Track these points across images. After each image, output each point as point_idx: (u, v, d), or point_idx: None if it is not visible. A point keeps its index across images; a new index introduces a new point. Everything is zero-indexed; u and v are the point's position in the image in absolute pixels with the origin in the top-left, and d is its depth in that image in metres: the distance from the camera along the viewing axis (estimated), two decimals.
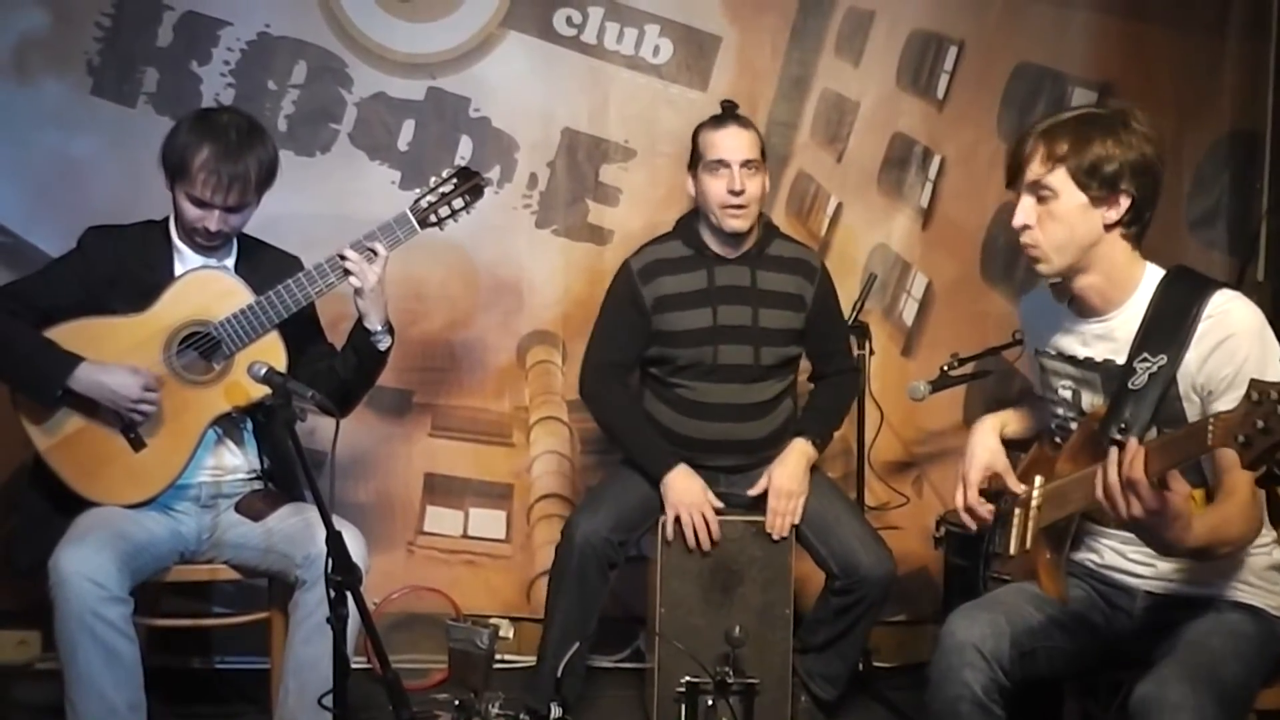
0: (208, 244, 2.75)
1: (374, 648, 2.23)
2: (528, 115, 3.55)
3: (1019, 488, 2.34)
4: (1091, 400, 2.25)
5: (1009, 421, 2.48)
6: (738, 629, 2.74)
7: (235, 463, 2.83)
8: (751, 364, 3.08)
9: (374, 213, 2.83)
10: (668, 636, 2.97)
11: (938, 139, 3.64)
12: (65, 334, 2.64)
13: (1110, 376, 2.19)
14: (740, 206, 3.01)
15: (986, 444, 2.41)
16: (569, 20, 3.52)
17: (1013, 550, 2.32)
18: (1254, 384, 1.69)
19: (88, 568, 2.47)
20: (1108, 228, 2.15)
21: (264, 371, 2.37)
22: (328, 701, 2.27)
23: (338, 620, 2.19)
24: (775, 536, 3.01)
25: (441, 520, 3.61)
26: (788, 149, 3.61)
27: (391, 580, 3.52)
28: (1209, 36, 3.65)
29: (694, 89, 3.56)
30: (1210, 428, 1.77)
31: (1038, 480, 2.30)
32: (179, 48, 3.41)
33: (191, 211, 2.68)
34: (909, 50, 3.61)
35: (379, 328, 2.78)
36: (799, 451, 3.07)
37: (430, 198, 2.79)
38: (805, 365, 3.25)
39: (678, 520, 2.99)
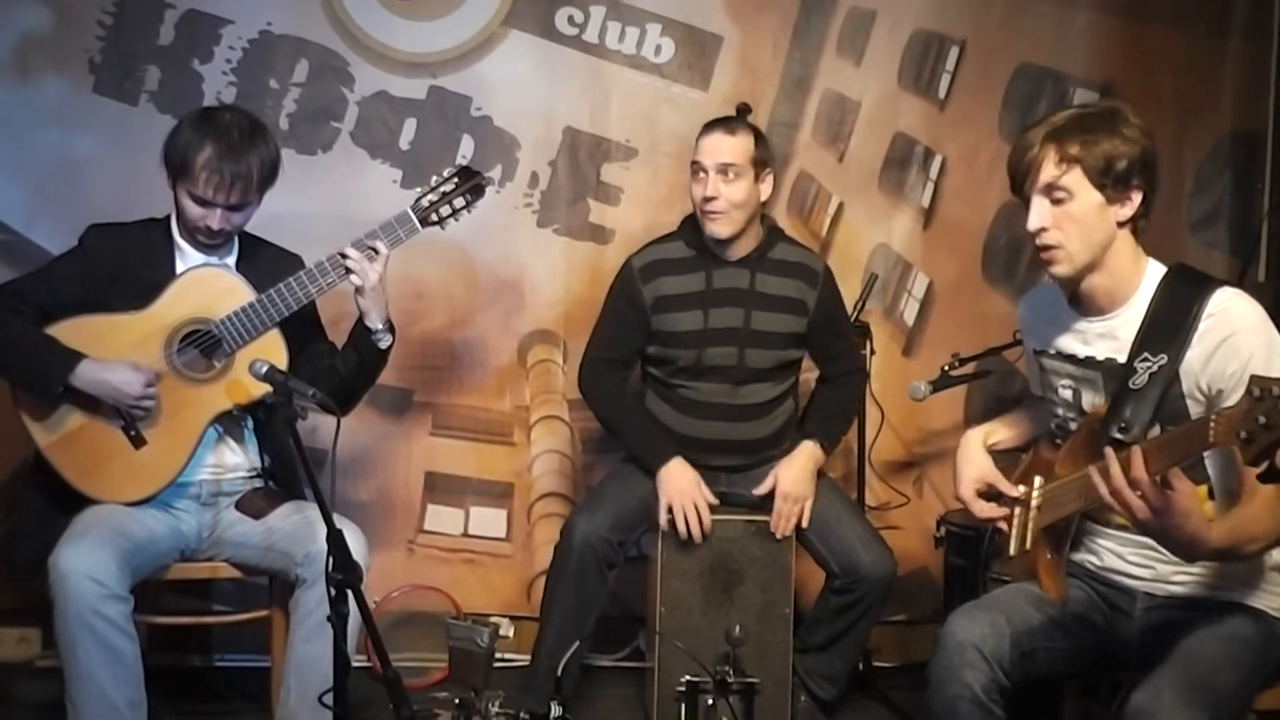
0: (209, 242, 2.75)
1: (374, 646, 2.23)
2: (529, 114, 3.55)
3: (1014, 492, 2.33)
4: (1092, 400, 2.24)
5: (995, 431, 2.47)
6: (738, 628, 2.74)
7: (236, 461, 2.83)
8: (736, 365, 3.07)
9: (375, 211, 2.83)
10: (668, 636, 2.97)
11: (939, 139, 3.64)
12: (66, 331, 2.64)
13: (1111, 375, 2.19)
14: (716, 211, 2.99)
15: (971, 458, 2.40)
16: (571, 19, 3.52)
17: (1013, 551, 2.32)
18: (1255, 380, 1.68)
19: (88, 565, 2.47)
20: (1120, 224, 2.15)
21: (265, 369, 2.37)
22: (328, 700, 2.27)
23: (338, 618, 2.19)
24: (778, 536, 3.01)
25: (442, 519, 3.62)
26: (789, 149, 3.61)
27: (392, 579, 3.52)
28: (1210, 37, 3.65)
29: (695, 89, 3.56)
30: (1212, 425, 1.77)
31: (1037, 481, 2.29)
32: (181, 46, 3.42)
33: (193, 210, 2.69)
34: (910, 50, 3.61)
35: (380, 326, 2.78)
36: (806, 454, 3.07)
37: (431, 196, 2.79)
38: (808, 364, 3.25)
39: (670, 511, 2.99)
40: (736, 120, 3.07)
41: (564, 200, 3.58)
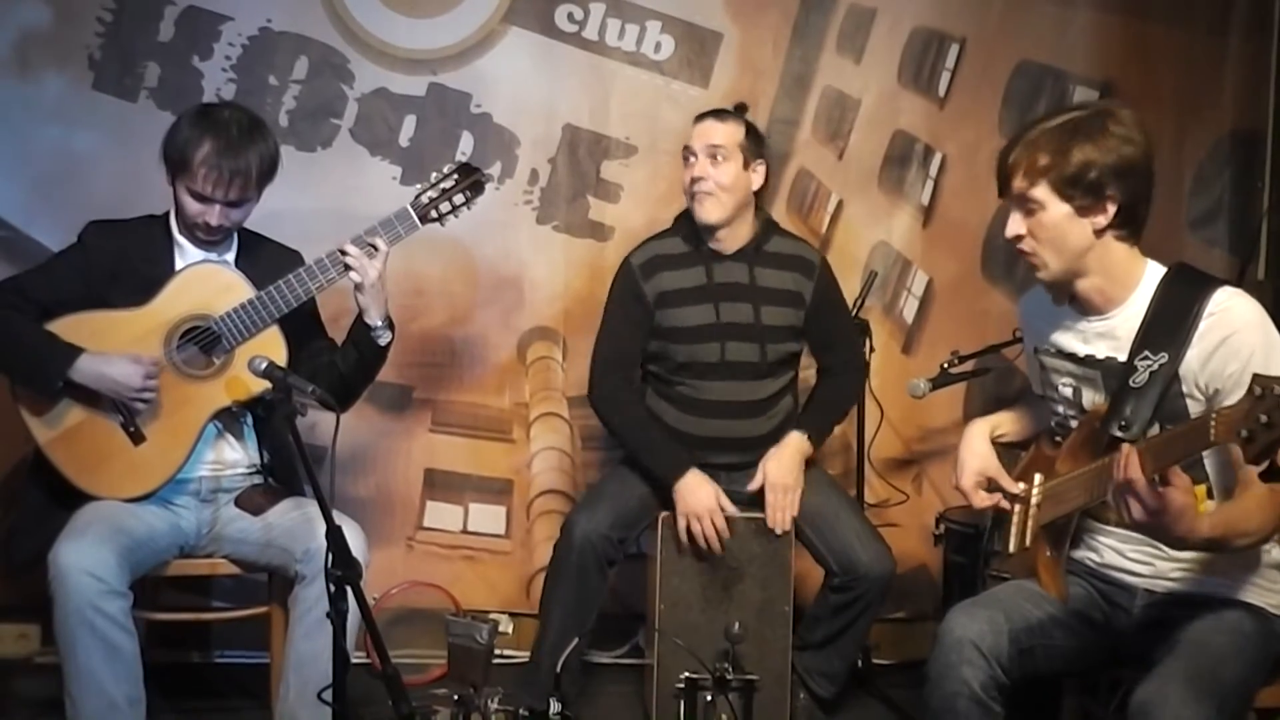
0: (208, 239, 2.75)
1: (373, 643, 2.23)
2: (529, 111, 3.55)
3: (1015, 488, 2.33)
4: (1092, 398, 2.24)
5: (1002, 424, 2.47)
6: (737, 625, 2.74)
7: (235, 457, 2.83)
8: (758, 361, 3.08)
9: (375, 208, 2.83)
10: (667, 633, 2.97)
11: (939, 137, 3.64)
12: (66, 328, 2.64)
13: (1111, 374, 2.19)
14: (703, 192, 3.00)
15: (976, 450, 2.40)
16: (570, 16, 3.52)
17: (1012, 548, 2.32)
18: (1257, 378, 1.69)
19: (87, 562, 2.47)
20: (1098, 233, 2.15)
21: (264, 366, 2.37)
22: (327, 696, 2.26)
23: (337, 615, 2.19)
24: (778, 531, 3.01)
25: (441, 515, 3.61)
26: (789, 146, 3.61)
27: (391, 575, 3.52)
28: (1210, 35, 3.65)
29: (695, 86, 3.56)
30: (1212, 423, 1.77)
31: (1037, 478, 2.30)
32: (180, 42, 3.41)
33: (192, 206, 2.68)
34: (910, 48, 3.61)
35: (379, 323, 2.78)
36: (792, 446, 3.06)
37: (431, 193, 2.79)
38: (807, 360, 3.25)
39: (687, 525, 2.97)
40: (728, 111, 3.10)
41: (564, 197, 3.57)
